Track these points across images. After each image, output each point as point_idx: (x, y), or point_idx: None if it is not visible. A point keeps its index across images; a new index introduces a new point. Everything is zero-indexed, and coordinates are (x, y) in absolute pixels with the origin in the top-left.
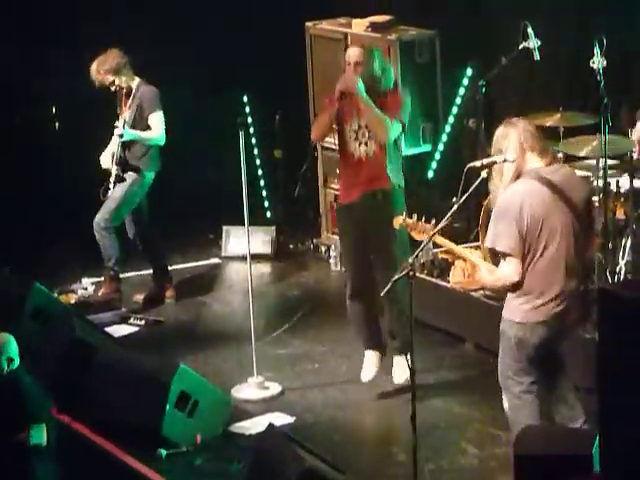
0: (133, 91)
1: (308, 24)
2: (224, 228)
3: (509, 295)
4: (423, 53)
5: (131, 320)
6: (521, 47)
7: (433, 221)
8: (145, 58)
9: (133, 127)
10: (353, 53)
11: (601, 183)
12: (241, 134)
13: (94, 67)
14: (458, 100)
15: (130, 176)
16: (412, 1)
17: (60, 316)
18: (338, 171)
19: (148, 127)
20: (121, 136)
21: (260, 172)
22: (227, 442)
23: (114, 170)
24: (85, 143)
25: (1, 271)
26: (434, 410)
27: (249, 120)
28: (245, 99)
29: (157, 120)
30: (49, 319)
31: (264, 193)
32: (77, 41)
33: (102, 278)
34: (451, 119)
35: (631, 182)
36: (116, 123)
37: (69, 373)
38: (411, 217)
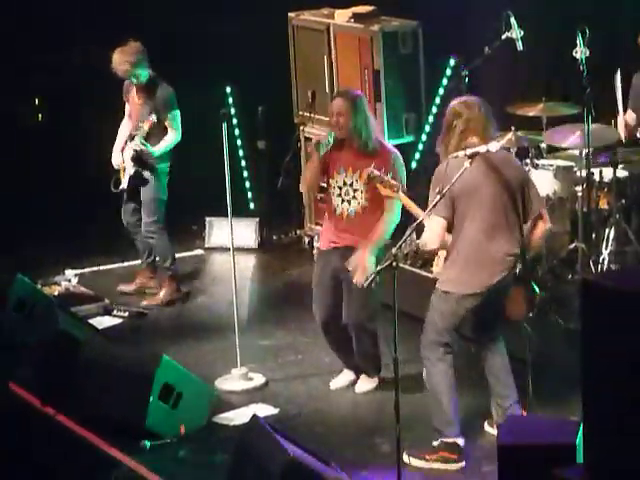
0: (145, 86)
1: (291, 14)
2: (207, 219)
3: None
4: (406, 43)
5: (115, 312)
6: (504, 37)
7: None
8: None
9: (144, 122)
10: (335, 104)
11: (584, 173)
12: (224, 126)
13: (116, 56)
14: (441, 90)
15: (150, 173)
16: None
17: (43, 308)
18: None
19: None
20: (140, 152)
21: (243, 163)
22: (211, 433)
23: (130, 169)
24: (67, 133)
25: None
26: (417, 400)
27: (232, 111)
28: (228, 90)
29: (176, 120)
30: (32, 310)
31: (247, 184)
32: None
33: (82, 271)
34: (434, 109)
35: (614, 172)
36: (135, 139)
37: (53, 365)
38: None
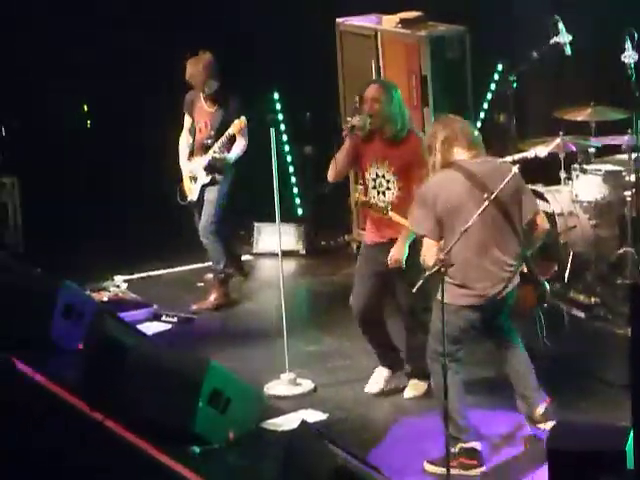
0: (215, 95)
1: (338, 20)
2: (255, 225)
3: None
4: (453, 49)
5: (163, 318)
6: (552, 42)
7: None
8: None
9: (219, 131)
10: (370, 90)
11: (633, 178)
12: (272, 131)
13: (192, 67)
14: (489, 95)
15: (219, 177)
16: None
17: (92, 313)
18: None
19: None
20: (216, 160)
21: (291, 169)
22: (260, 439)
23: (205, 178)
24: (117, 142)
25: (32, 271)
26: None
27: (280, 117)
28: (276, 96)
29: (246, 127)
30: (81, 316)
31: (295, 190)
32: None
33: (131, 277)
34: (482, 114)
35: None
36: (214, 147)
37: (101, 371)
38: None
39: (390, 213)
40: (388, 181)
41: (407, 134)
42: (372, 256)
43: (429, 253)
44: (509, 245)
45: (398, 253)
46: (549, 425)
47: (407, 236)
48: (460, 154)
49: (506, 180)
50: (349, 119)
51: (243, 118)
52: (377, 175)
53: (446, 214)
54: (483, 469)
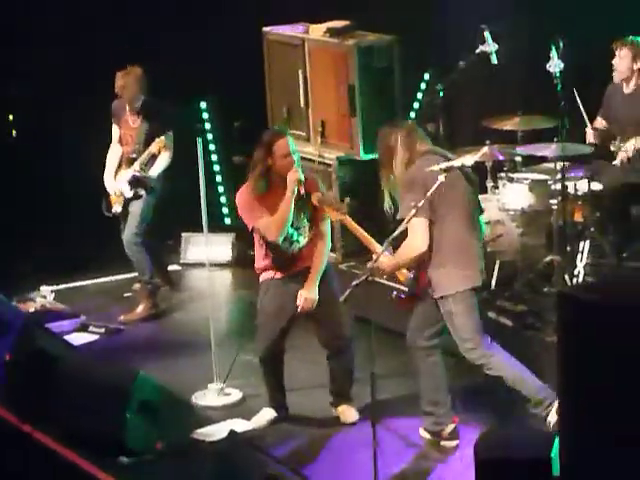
0: (141, 109)
1: (265, 29)
2: (183, 235)
3: (435, 275)
4: (381, 58)
5: (90, 328)
6: (478, 51)
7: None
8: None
9: (144, 145)
10: (288, 143)
11: (559, 187)
12: (199, 140)
13: (122, 80)
14: (416, 105)
15: (145, 193)
16: (370, 6)
17: (19, 324)
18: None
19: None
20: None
21: (219, 178)
22: (189, 449)
23: (129, 192)
24: (42, 150)
25: None
26: (398, 415)
27: (208, 126)
28: (203, 105)
29: (170, 141)
30: (7, 327)
31: (223, 199)
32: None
33: (58, 287)
34: None
35: (589, 185)
36: (135, 163)
37: (29, 382)
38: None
39: (347, 216)
40: (298, 229)
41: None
42: (284, 289)
43: (424, 236)
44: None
45: (310, 295)
46: (454, 444)
47: (317, 275)
48: (422, 145)
49: (434, 187)
50: (297, 177)
51: (162, 138)
52: (292, 226)
53: (439, 195)
54: (456, 442)
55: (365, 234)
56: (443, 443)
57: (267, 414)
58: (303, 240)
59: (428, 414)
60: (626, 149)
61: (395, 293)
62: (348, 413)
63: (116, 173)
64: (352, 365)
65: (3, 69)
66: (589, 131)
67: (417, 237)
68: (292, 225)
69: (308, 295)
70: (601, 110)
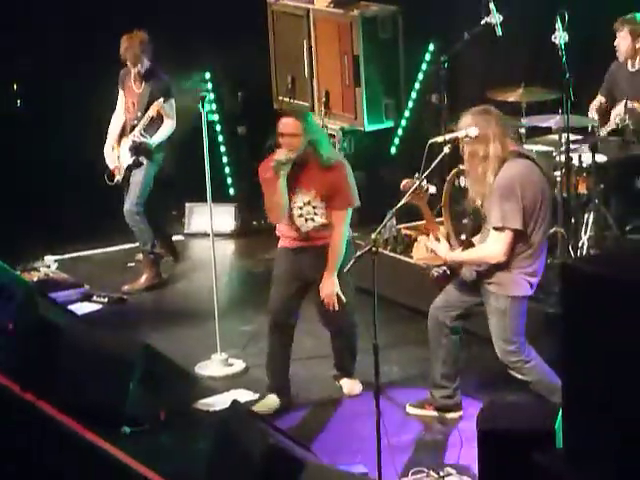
0: (145, 75)
1: (270, 0)
2: (187, 205)
3: (503, 272)
4: (385, 29)
5: (94, 298)
6: (483, 22)
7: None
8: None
9: (145, 111)
10: (285, 126)
11: (563, 158)
12: (203, 110)
13: (126, 42)
14: (420, 76)
15: (146, 161)
16: None
17: (23, 293)
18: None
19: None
20: (139, 143)
21: (223, 149)
22: (191, 419)
23: (128, 159)
24: (45, 119)
25: None
26: (398, 385)
27: (212, 97)
28: (207, 76)
29: (173, 109)
30: (11, 296)
31: (227, 170)
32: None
33: (62, 257)
34: (414, 95)
35: (593, 157)
36: (135, 129)
37: (32, 351)
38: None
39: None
40: (315, 207)
41: (334, 163)
42: (294, 260)
43: (507, 247)
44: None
45: (330, 287)
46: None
47: (335, 264)
48: (511, 144)
49: (437, 159)
50: (276, 158)
51: (160, 100)
52: (304, 203)
53: (530, 205)
54: (460, 413)
55: (433, 219)
56: (448, 415)
57: (270, 402)
58: (320, 219)
59: (441, 387)
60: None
61: (435, 272)
62: (350, 386)
63: (120, 142)
64: (354, 345)
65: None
66: (595, 104)
67: (499, 247)
68: (308, 203)
69: (327, 287)
70: (602, 87)
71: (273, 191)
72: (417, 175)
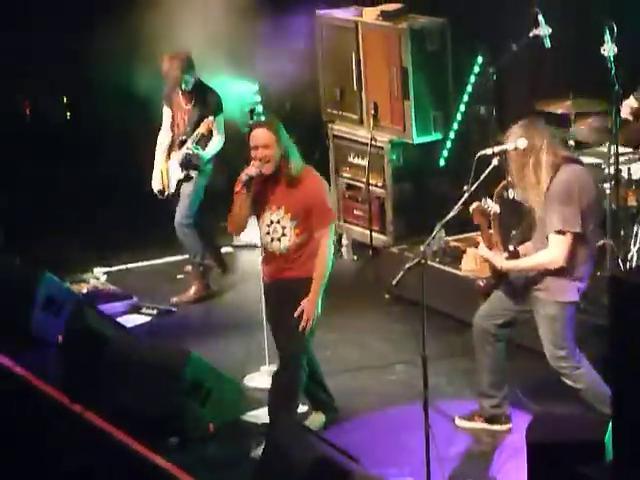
0: (193, 91)
1: (319, 12)
2: None
3: (553, 278)
4: (434, 41)
5: (143, 310)
6: (532, 34)
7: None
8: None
9: (195, 127)
10: (256, 136)
11: (612, 170)
12: (251, 120)
13: (167, 63)
14: (469, 88)
15: (194, 173)
16: None
17: (72, 306)
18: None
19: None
20: (191, 157)
21: None
22: (240, 431)
23: (179, 174)
24: (97, 132)
25: (12, 261)
26: (446, 397)
27: (260, 109)
28: (257, 87)
29: (222, 124)
30: (61, 309)
31: None
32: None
33: (111, 269)
34: (462, 107)
35: None
36: (187, 143)
37: (81, 363)
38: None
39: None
40: (284, 227)
41: (304, 173)
42: (272, 295)
43: (565, 251)
44: None
45: (312, 309)
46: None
47: (319, 287)
48: (563, 149)
49: (485, 172)
50: (247, 172)
51: (211, 118)
52: (271, 221)
53: (586, 209)
54: (509, 426)
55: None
56: (497, 427)
57: (316, 420)
58: (287, 241)
59: (489, 397)
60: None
61: (480, 282)
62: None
63: (169, 156)
64: (294, 389)
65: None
66: (625, 106)
67: (560, 251)
68: (277, 222)
69: (309, 308)
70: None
71: (240, 205)
72: (465, 187)
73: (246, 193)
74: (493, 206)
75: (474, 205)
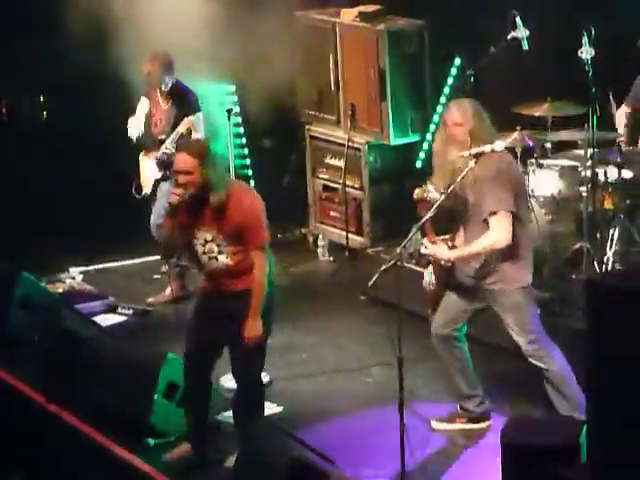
0: (171, 91)
1: (297, 13)
2: None
3: (508, 265)
4: (411, 43)
5: (119, 309)
6: (510, 37)
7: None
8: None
9: (173, 127)
10: (181, 161)
11: (589, 173)
12: (228, 123)
13: (147, 63)
14: (446, 90)
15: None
16: None
17: (48, 305)
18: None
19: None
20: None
21: (248, 161)
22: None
23: (157, 173)
24: (72, 133)
25: None
26: (422, 399)
27: (237, 110)
28: (233, 89)
29: (199, 122)
30: (37, 308)
31: (252, 183)
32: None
33: (87, 268)
34: (439, 108)
35: (619, 172)
36: (166, 142)
37: (57, 362)
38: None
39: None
40: (219, 245)
41: (228, 194)
42: (211, 301)
43: (509, 230)
44: None
45: (256, 330)
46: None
47: (257, 308)
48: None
49: (463, 174)
50: (169, 201)
51: (191, 118)
52: (206, 240)
53: (519, 192)
54: (490, 422)
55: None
56: (483, 425)
57: (183, 449)
58: (224, 259)
59: (471, 397)
60: None
61: (431, 286)
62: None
63: (146, 155)
64: (257, 404)
65: None
66: (621, 112)
67: (503, 230)
68: (211, 240)
69: (251, 329)
70: (629, 97)
71: (169, 231)
72: (442, 190)
73: (172, 221)
74: (433, 193)
75: (415, 191)
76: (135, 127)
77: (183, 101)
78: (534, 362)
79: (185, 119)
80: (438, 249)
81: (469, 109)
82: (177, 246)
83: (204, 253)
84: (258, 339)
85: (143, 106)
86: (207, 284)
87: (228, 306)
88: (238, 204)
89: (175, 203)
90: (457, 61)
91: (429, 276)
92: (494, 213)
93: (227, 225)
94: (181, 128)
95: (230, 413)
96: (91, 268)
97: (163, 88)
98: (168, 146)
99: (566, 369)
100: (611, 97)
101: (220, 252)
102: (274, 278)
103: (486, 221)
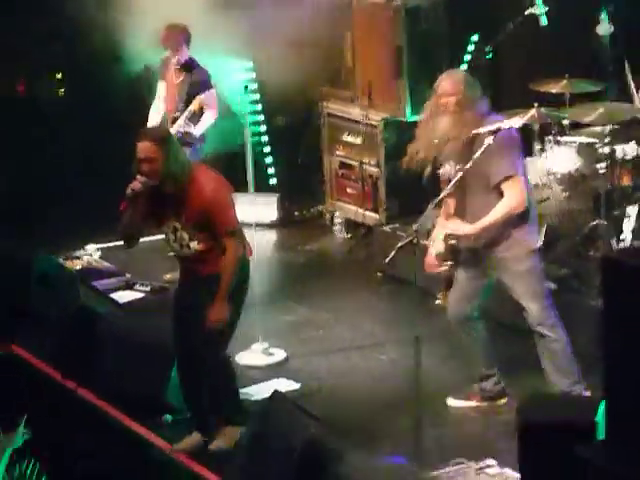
0: (184, 66)
1: None
2: None
3: (514, 230)
4: (428, 19)
5: (136, 286)
6: (527, 13)
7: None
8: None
9: (186, 103)
10: (142, 149)
11: (607, 150)
12: (245, 100)
13: (167, 31)
14: (464, 66)
15: (187, 150)
16: None
17: (66, 282)
18: None
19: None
20: (184, 134)
21: (265, 138)
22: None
23: None
24: (89, 109)
25: (7, 240)
26: (439, 376)
27: (253, 87)
28: (250, 65)
29: (213, 98)
30: (55, 285)
31: (269, 159)
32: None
33: (104, 245)
34: None
35: (637, 149)
36: (179, 120)
37: (74, 339)
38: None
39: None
40: (189, 233)
41: (189, 182)
42: (183, 292)
43: (525, 193)
44: None
45: (221, 313)
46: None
47: (224, 292)
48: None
49: (481, 150)
50: (131, 187)
51: (202, 97)
52: (175, 228)
53: (520, 158)
54: (506, 400)
55: None
56: (500, 402)
57: (193, 439)
58: (195, 244)
59: (489, 377)
60: None
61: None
62: (227, 437)
63: None
64: (224, 384)
65: None
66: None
67: (520, 194)
68: (181, 229)
69: (217, 312)
70: None
71: (128, 218)
72: (459, 167)
73: (132, 208)
74: (449, 169)
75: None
76: (157, 113)
77: (195, 78)
78: (544, 331)
79: (197, 97)
80: (460, 225)
81: (461, 80)
82: (137, 233)
83: (175, 240)
84: (222, 323)
85: (161, 90)
86: (182, 270)
87: (200, 290)
88: (199, 191)
89: (137, 190)
90: (474, 37)
91: (438, 248)
92: (508, 178)
93: (190, 212)
94: (193, 106)
95: (247, 389)
96: (108, 245)
97: (179, 57)
98: (181, 123)
99: (569, 344)
100: (629, 74)
101: (191, 239)
102: (247, 263)
103: (496, 188)
